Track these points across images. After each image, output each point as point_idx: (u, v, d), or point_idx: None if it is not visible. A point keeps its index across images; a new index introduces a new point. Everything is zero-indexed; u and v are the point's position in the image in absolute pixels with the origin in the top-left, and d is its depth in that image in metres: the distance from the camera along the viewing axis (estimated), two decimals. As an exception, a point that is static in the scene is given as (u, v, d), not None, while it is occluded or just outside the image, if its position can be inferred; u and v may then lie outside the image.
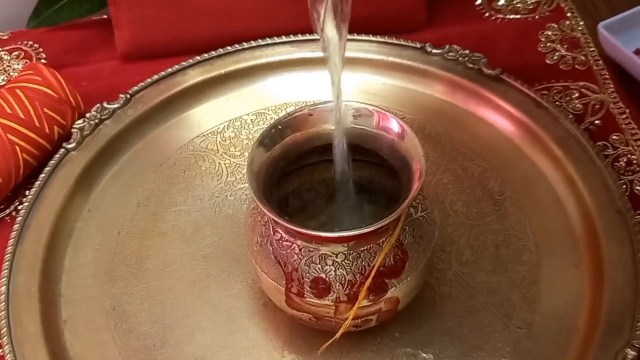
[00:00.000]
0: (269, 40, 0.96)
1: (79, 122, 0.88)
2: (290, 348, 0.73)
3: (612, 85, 0.91)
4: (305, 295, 0.65)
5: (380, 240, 0.64)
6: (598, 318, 0.71)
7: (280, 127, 0.68)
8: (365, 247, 0.64)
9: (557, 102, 0.89)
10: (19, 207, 0.83)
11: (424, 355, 0.71)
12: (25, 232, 0.80)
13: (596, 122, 0.88)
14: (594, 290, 0.73)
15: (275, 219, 0.62)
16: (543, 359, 0.70)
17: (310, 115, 0.69)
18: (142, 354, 0.73)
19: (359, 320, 0.67)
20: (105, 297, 0.77)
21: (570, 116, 0.86)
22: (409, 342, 0.72)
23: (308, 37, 0.95)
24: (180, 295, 0.77)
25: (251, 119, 0.91)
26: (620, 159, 0.84)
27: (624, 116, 0.88)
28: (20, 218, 0.81)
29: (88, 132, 0.88)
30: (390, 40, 0.94)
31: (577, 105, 0.90)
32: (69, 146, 0.86)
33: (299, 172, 0.74)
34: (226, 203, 0.84)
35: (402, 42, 0.93)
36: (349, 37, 0.91)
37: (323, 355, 0.70)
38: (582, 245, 0.77)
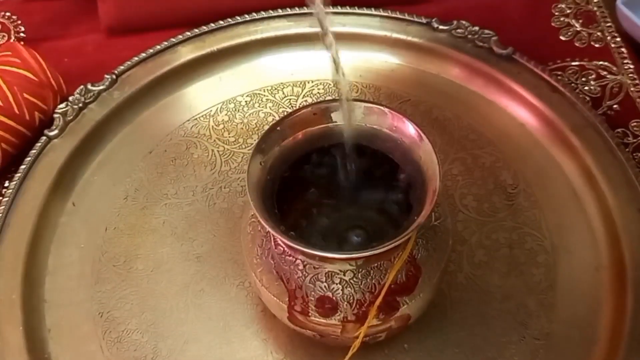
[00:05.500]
0: (264, 14, 0.90)
1: (62, 107, 0.84)
2: (292, 360, 0.70)
3: (631, 65, 0.86)
4: (309, 314, 0.61)
5: (392, 257, 0.60)
6: (621, 328, 0.68)
7: (279, 128, 0.63)
8: (376, 264, 0.60)
9: (572, 84, 0.85)
10: (-2, 202, 0.79)
11: (435, 367, 0.69)
12: (6, 230, 0.76)
13: (614, 106, 0.84)
14: (616, 296, 0.70)
15: (279, 236, 0.57)
16: (562, 373, 0.68)
17: (314, 114, 0.64)
18: (133, 367, 0.70)
19: (367, 337, 0.63)
20: (92, 302, 0.74)
21: (587, 101, 0.82)
22: (419, 354, 0.69)
23: (307, 10, 0.90)
24: (172, 300, 0.74)
25: (246, 101, 0.87)
26: (642, 149, 0.80)
27: (644, 101, 0.84)
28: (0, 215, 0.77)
29: (71, 117, 0.83)
30: (393, 15, 0.89)
31: (594, 88, 0.85)
32: (51, 133, 0.82)
33: (302, 176, 0.68)
34: (220, 196, 0.80)
35: (406, 16, 0.89)
36: (349, 10, 0.87)
37: (326, 370, 0.67)
38: (602, 245, 0.74)
